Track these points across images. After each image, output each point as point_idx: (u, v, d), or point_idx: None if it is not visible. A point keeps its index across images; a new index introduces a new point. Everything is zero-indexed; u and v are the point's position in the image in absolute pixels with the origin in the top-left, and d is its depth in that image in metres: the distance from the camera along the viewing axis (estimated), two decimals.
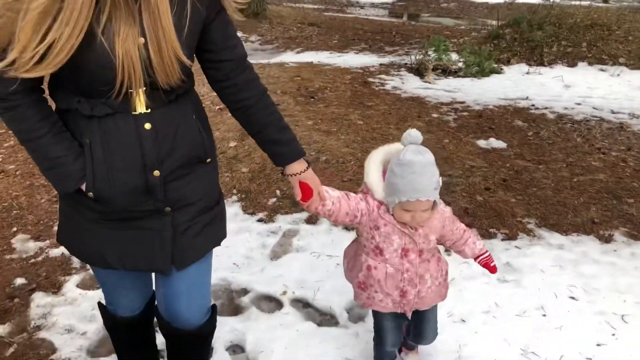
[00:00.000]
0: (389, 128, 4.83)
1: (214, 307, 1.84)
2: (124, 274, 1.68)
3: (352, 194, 1.91)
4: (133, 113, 1.40)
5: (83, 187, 1.46)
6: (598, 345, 2.42)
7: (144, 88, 1.38)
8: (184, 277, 1.66)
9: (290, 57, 8.55)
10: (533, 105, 5.79)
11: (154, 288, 1.84)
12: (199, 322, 1.76)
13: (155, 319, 1.91)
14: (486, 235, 3.27)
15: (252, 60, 1.69)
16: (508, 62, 7.55)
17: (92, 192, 1.45)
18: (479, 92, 6.22)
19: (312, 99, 5.62)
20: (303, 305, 2.69)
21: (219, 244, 1.71)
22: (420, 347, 2.34)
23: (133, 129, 1.41)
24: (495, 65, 7.20)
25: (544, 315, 2.61)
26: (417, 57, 7.32)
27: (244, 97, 1.60)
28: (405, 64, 7.59)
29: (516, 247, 3.17)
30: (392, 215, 1.86)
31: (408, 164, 1.75)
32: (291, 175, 1.74)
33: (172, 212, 1.54)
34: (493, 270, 2.05)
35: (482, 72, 6.97)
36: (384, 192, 1.84)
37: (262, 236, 3.25)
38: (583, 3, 9.92)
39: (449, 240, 2.02)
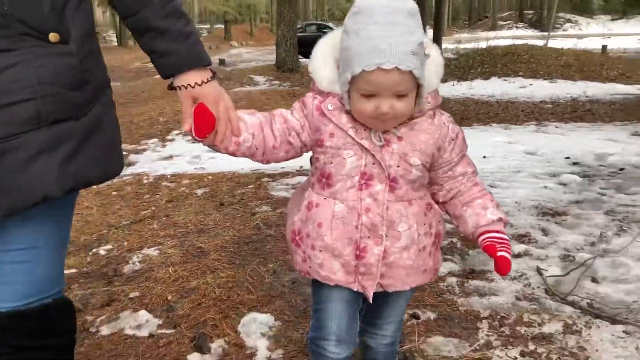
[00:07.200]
0: None
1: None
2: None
3: (279, 111, 1.18)
4: None
5: None
6: None
7: None
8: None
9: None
10: None
11: None
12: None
13: None
14: None
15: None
16: (445, 81, 11.03)
17: None
18: None
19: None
20: None
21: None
22: None
23: None
24: None
25: None
26: None
27: None
28: None
29: None
30: (347, 113, 1.10)
31: (367, 9, 1.02)
32: (180, 88, 1.07)
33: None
34: (504, 265, 1.08)
35: None
36: (338, 72, 1.10)
37: None
38: (517, 42, 13.35)
39: (443, 183, 1.18)
